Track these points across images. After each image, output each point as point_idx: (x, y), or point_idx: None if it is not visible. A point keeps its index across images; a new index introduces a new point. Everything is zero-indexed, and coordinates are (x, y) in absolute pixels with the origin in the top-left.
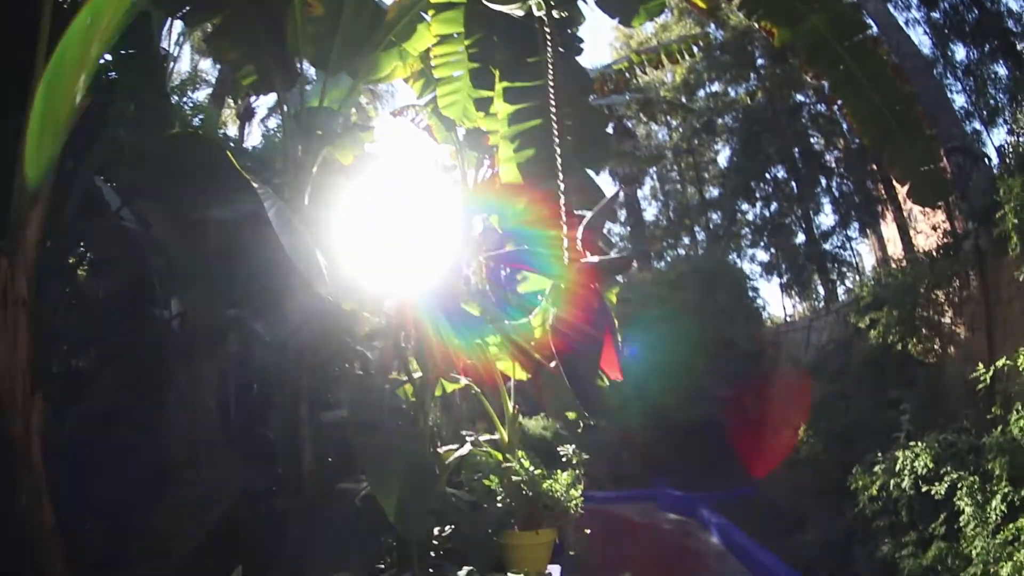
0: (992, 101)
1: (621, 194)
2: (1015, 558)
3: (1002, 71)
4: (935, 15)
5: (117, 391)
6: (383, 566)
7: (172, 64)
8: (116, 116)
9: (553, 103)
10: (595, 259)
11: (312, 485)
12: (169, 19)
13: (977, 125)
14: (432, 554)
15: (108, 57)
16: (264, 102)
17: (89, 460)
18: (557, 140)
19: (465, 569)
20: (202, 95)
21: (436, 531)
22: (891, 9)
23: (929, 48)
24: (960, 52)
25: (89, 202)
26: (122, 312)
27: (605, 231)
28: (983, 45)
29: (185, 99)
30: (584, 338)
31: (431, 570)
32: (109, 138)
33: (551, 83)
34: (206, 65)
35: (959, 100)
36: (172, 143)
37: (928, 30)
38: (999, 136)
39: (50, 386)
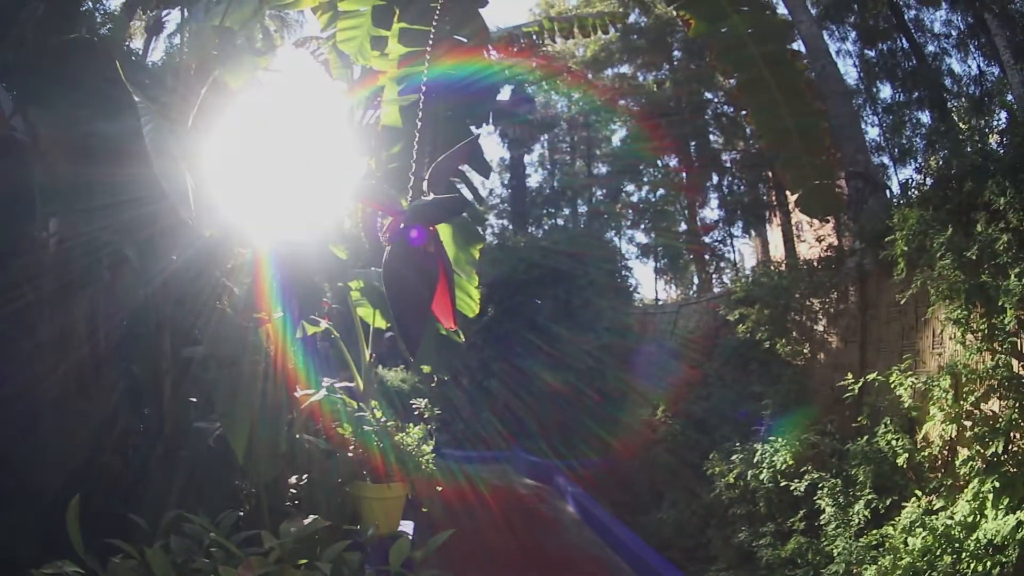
0: (906, 142)
1: (515, 152)
2: (880, 563)
3: (925, 118)
4: (870, 53)
5: None
6: (242, 513)
7: None
8: (26, 17)
9: (430, 47)
10: (428, 198)
11: (170, 422)
12: None
13: (886, 160)
14: (287, 503)
15: None
16: (175, 17)
17: None
18: (424, 80)
19: (311, 517)
20: (117, 3)
21: (294, 479)
22: (825, 36)
23: (855, 80)
24: (885, 91)
25: None
26: (4, 231)
27: (490, 193)
28: (912, 91)
29: (98, 5)
30: (414, 277)
31: (281, 517)
32: (15, 39)
33: (434, 27)
34: None
35: (872, 133)
36: (67, 49)
37: (858, 63)
38: (906, 174)
39: None
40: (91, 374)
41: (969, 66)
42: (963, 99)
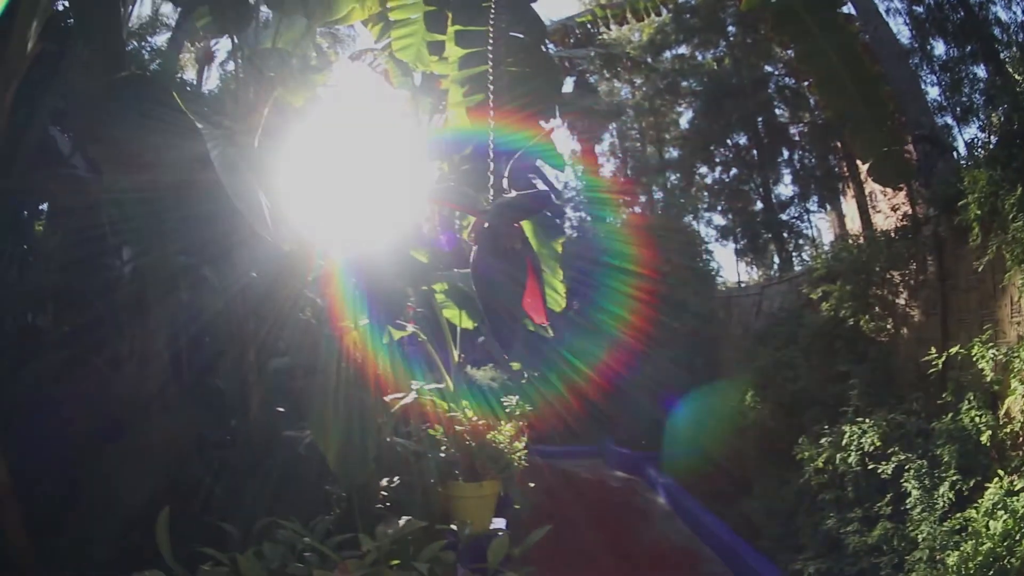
0: (966, 99)
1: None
2: (962, 548)
3: (981, 72)
4: (918, 8)
5: (70, 344)
6: (329, 516)
7: (131, 8)
8: (71, 62)
9: (491, 47)
10: (512, 195)
11: (258, 433)
12: None
13: (949, 120)
14: (378, 505)
15: (66, 3)
16: (224, 46)
17: (44, 415)
18: (491, 82)
19: (404, 518)
20: (162, 39)
21: (385, 482)
22: None
23: (908, 38)
24: (939, 48)
25: (43, 152)
26: (76, 263)
27: (565, 186)
28: (964, 45)
29: (144, 44)
30: (503, 275)
31: (372, 520)
32: (63, 84)
33: (491, 26)
34: (167, 9)
35: (932, 93)
36: (122, 86)
37: (908, 21)
38: (970, 132)
39: (4, 341)
40: (173, 389)
41: (1014, 13)
42: (1014, 48)
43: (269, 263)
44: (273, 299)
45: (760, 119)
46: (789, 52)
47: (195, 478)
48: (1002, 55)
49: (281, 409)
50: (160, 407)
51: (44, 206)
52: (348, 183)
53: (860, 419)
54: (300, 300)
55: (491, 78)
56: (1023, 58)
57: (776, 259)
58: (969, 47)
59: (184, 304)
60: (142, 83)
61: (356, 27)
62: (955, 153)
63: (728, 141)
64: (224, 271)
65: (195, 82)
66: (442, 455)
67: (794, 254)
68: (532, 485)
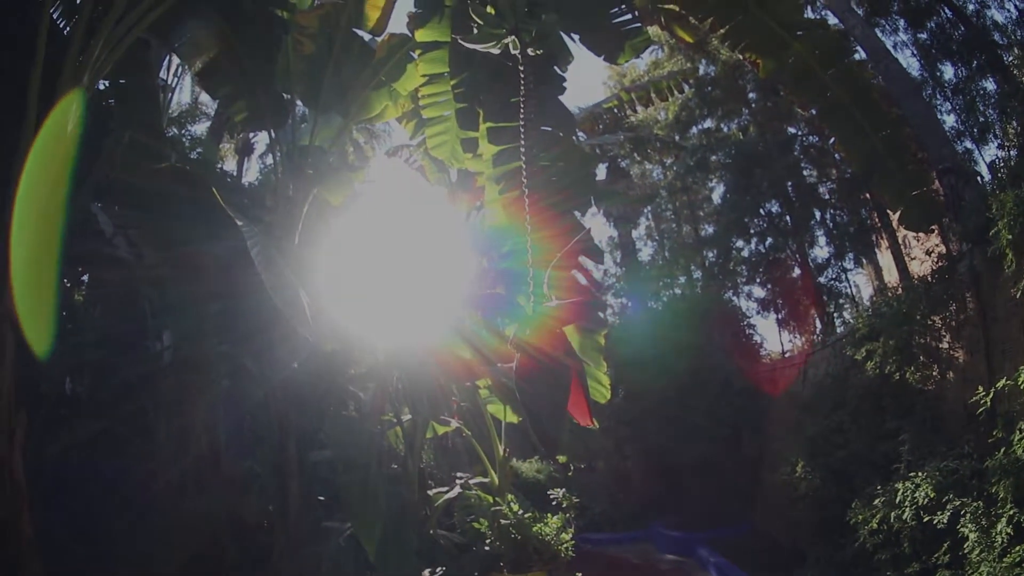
0: (982, 118)
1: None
2: None
3: (991, 86)
4: (922, 36)
5: (107, 418)
6: None
7: (171, 95)
8: (113, 143)
9: (523, 143)
10: (554, 303)
11: (297, 522)
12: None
13: (968, 144)
14: None
15: (107, 83)
16: (264, 137)
17: (77, 482)
18: (525, 179)
19: None
20: (202, 128)
21: (427, 573)
22: (879, 34)
23: (917, 69)
24: (948, 71)
25: (85, 226)
26: (115, 340)
27: (605, 273)
28: (971, 62)
29: (184, 131)
30: (547, 380)
31: None
32: (106, 164)
33: (521, 123)
34: (207, 98)
35: (949, 120)
36: (161, 177)
37: (916, 51)
38: (990, 152)
39: (39, 406)
40: (210, 472)
41: (1008, 11)
42: (1016, 49)
43: (312, 357)
44: (314, 391)
45: (789, 183)
46: (812, 111)
47: (230, 561)
48: (1007, 60)
49: (321, 497)
50: (196, 488)
51: (85, 277)
52: (389, 280)
53: (912, 473)
54: (342, 394)
55: (525, 175)
56: None
57: (818, 323)
58: (975, 62)
59: (224, 391)
60: (184, 175)
61: (391, 122)
62: (979, 178)
63: (760, 210)
64: (265, 363)
65: (235, 173)
66: (487, 548)
67: (835, 315)
68: (579, 575)
